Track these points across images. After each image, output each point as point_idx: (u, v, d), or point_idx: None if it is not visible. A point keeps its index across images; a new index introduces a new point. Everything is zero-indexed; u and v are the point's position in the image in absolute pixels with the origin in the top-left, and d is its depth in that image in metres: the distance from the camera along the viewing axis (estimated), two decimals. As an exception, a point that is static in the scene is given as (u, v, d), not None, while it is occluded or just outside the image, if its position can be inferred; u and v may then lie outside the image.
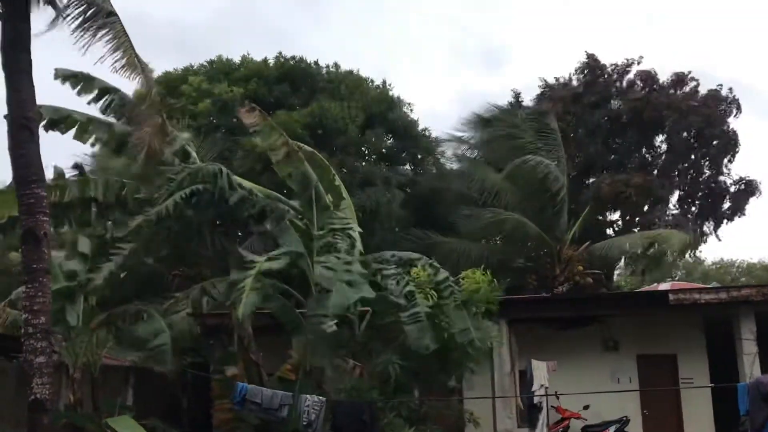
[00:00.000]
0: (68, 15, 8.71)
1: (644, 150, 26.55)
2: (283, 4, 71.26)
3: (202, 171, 10.97)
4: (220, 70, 23.86)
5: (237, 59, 24.51)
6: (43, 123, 10.55)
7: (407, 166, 24.61)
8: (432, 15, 74.30)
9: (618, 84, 26.36)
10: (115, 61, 8.91)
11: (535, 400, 11.68)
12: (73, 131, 11.18)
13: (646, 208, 25.19)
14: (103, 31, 8.77)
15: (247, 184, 11.80)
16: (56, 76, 10.67)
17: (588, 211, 22.04)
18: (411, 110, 25.25)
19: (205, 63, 24.61)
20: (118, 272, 10.14)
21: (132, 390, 12.95)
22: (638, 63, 26.22)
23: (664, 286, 17.12)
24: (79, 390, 10.47)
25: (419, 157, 25.09)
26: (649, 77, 25.91)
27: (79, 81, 10.87)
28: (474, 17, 72.62)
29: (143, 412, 11.55)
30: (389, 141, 23.98)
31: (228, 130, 21.80)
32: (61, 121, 10.88)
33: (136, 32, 9.02)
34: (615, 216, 26.38)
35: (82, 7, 8.70)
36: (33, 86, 8.59)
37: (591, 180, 25.77)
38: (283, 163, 12.22)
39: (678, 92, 25.74)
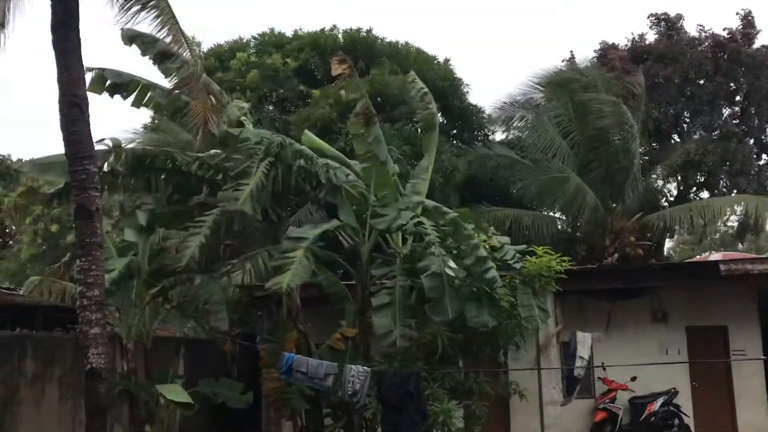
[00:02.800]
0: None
1: (718, 114, 25.53)
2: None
3: (273, 141, 10.90)
4: (270, 43, 23.77)
5: (289, 33, 24.37)
6: (107, 86, 10.66)
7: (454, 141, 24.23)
8: None
9: (693, 45, 25.06)
10: (162, 38, 9.03)
11: (575, 372, 11.62)
12: (132, 97, 11.08)
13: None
14: (149, 10, 8.89)
15: (306, 151, 11.68)
16: (122, 38, 10.51)
17: (648, 179, 21.51)
18: (468, 92, 24.85)
19: (256, 35, 24.46)
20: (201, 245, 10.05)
21: (183, 360, 13.30)
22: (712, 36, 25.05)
23: (715, 257, 16.78)
24: (132, 360, 10.80)
25: (475, 134, 24.57)
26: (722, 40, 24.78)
27: (145, 42, 10.61)
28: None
29: (194, 380, 11.87)
30: (444, 121, 23.59)
31: (279, 101, 21.80)
32: (123, 86, 10.85)
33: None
34: (672, 186, 25.76)
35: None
36: (82, 65, 8.79)
37: (646, 146, 24.94)
38: (357, 122, 11.99)
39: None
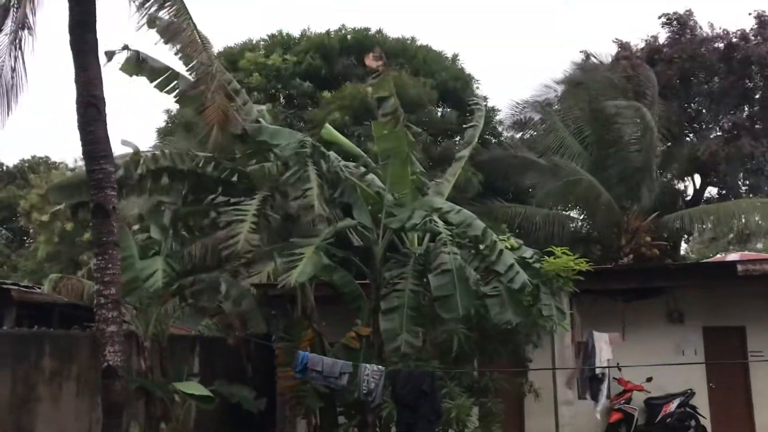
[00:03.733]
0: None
1: (732, 112, 25.27)
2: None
3: (307, 143, 10.89)
4: (279, 44, 23.91)
5: (297, 34, 24.51)
6: (140, 66, 10.61)
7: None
8: None
9: (707, 45, 24.77)
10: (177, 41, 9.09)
11: (597, 371, 11.56)
12: (159, 80, 11.03)
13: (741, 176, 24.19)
14: (165, 10, 8.96)
15: (324, 150, 11.67)
16: (148, 23, 10.14)
17: (663, 179, 21.39)
18: (479, 87, 24.87)
19: (265, 37, 24.71)
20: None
21: (198, 358, 13.37)
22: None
23: (732, 257, 16.64)
24: (149, 358, 10.87)
25: (487, 133, 24.54)
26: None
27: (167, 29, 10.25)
28: None
29: (210, 378, 11.93)
30: (454, 117, 23.63)
31: (286, 100, 21.87)
32: (154, 70, 10.82)
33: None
34: (688, 186, 25.58)
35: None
36: (99, 65, 8.89)
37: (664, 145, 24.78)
38: (382, 121, 11.70)
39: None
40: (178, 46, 9.82)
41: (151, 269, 10.42)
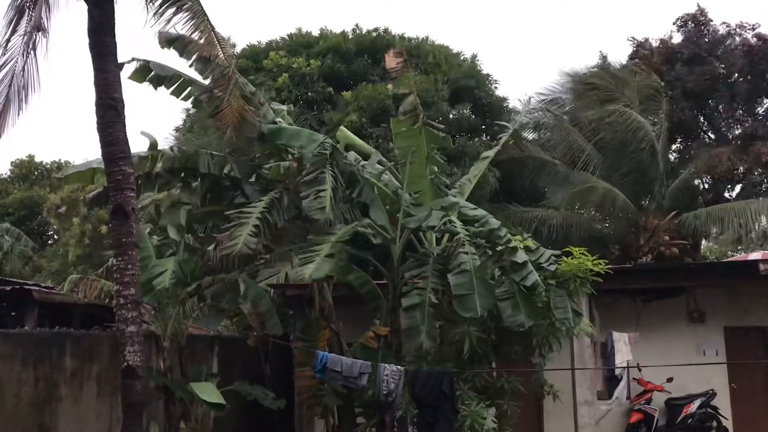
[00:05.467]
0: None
1: (748, 115, 25.01)
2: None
3: (327, 144, 10.94)
4: (299, 43, 24.01)
5: (316, 32, 24.61)
6: (150, 78, 10.81)
7: (485, 137, 24.18)
8: None
9: (725, 44, 24.48)
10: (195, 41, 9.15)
11: (616, 372, 11.47)
12: (173, 88, 11.19)
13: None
14: (183, 13, 9.02)
15: (341, 150, 11.68)
16: (160, 41, 10.64)
17: (683, 178, 21.27)
18: (497, 87, 24.84)
19: (285, 36, 24.81)
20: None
21: (217, 358, 13.44)
22: (752, 28, 24.41)
23: (754, 256, 16.44)
24: (168, 358, 10.95)
25: (501, 133, 24.51)
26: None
27: (183, 44, 10.64)
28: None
29: (228, 379, 11.99)
30: (473, 117, 23.59)
31: (307, 103, 21.99)
32: (166, 78, 10.97)
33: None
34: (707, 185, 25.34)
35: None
36: (118, 68, 8.98)
37: (679, 145, 24.65)
38: (401, 119, 11.86)
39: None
40: (195, 54, 9.94)
41: (161, 269, 10.45)
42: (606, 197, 19.19)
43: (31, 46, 8.76)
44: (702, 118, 25.08)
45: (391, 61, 11.73)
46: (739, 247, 26.65)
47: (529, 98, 18.44)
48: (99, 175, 10.88)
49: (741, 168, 22.76)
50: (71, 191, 23.65)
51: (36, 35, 8.67)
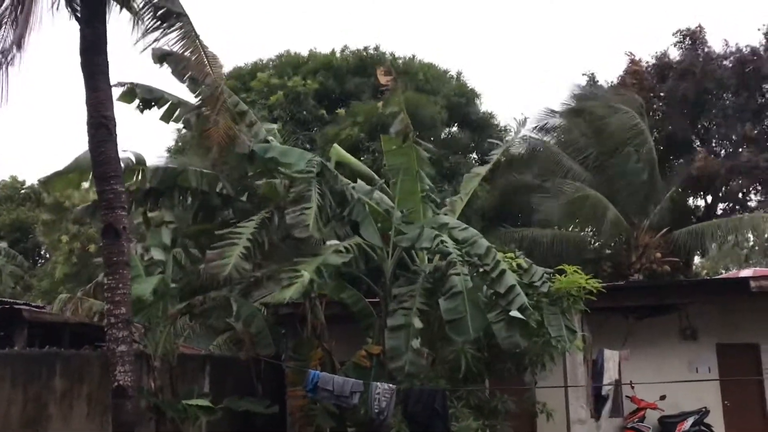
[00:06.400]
0: (142, 17, 9.01)
1: (742, 129, 25.15)
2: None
3: (316, 162, 10.94)
4: (288, 64, 24.18)
5: (305, 53, 24.80)
6: (137, 103, 10.76)
7: (475, 155, 24.29)
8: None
9: (719, 61, 24.69)
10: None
11: (603, 390, 11.46)
12: (162, 111, 11.17)
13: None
14: (174, 32, 9.04)
15: (332, 169, 11.68)
16: (153, 57, 10.44)
17: (673, 194, 21.36)
18: (482, 103, 25.04)
19: (273, 57, 24.99)
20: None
21: (208, 378, 13.35)
22: (744, 49, 24.65)
23: (745, 273, 16.50)
24: (159, 378, 10.87)
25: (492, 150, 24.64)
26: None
27: (175, 60, 10.44)
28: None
29: (220, 398, 11.90)
30: (463, 135, 23.71)
31: (301, 122, 22.08)
32: (154, 101, 10.96)
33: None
34: (700, 201, 25.46)
35: (154, 9, 8.99)
36: (110, 87, 8.97)
37: (674, 162, 24.71)
38: (391, 137, 11.93)
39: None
40: (187, 74, 9.95)
41: (143, 287, 10.37)
42: (597, 209, 19.26)
43: (5, 62, 8.65)
44: (693, 134, 25.24)
45: (381, 78, 11.83)
46: (730, 265, 26.74)
47: (525, 119, 18.56)
48: (86, 174, 10.59)
49: (732, 182, 22.87)
50: (58, 199, 23.53)
51: (13, 51, 8.59)
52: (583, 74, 27.16)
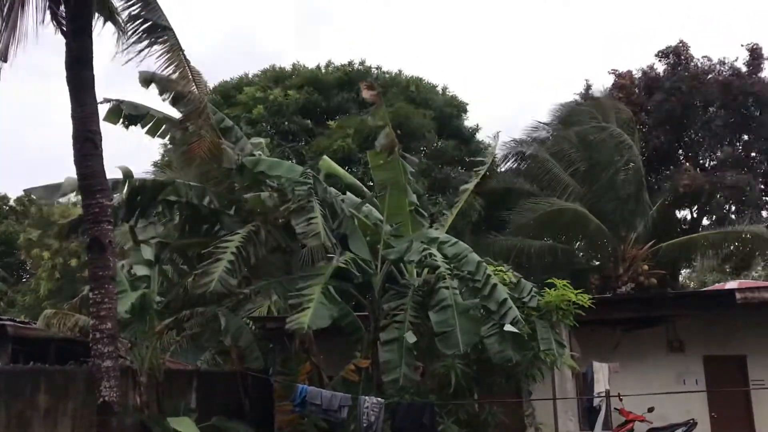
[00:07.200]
0: (127, 31, 9.00)
1: (726, 144, 25.46)
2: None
3: (308, 175, 10.97)
4: (272, 78, 24.29)
5: (288, 67, 24.93)
6: (123, 117, 10.72)
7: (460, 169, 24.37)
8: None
9: (703, 78, 25.00)
10: (170, 75, 9.15)
11: (595, 402, 11.46)
12: (147, 128, 11.17)
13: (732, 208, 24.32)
14: (159, 46, 9.03)
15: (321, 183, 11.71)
16: (140, 80, 10.62)
17: (660, 207, 21.49)
18: (467, 117, 25.22)
19: (258, 72, 25.14)
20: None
21: (195, 393, 13.24)
22: (729, 65, 25.08)
23: (731, 285, 16.59)
24: (145, 393, 10.77)
25: (479, 161, 24.78)
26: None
27: (162, 82, 10.60)
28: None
29: (207, 414, 11.81)
30: (449, 146, 23.80)
31: (286, 133, 22.11)
32: (139, 117, 10.93)
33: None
34: (686, 213, 25.67)
35: (139, 23, 8.99)
36: (96, 101, 8.94)
37: (660, 175, 24.93)
38: (378, 151, 11.92)
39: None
40: (172, 92, 9.97)
41: (124, 303, 10.29)
42: (576, 221, 19.37)
43: None
44: (679, 148, 25.50)
45: (365, 93, 11.90)
46: (716, 277, 26.93)
47: (497, 133, 18.78)
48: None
49: (718, 195, 23.06)
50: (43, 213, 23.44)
51: None
52: (572, 86, 27.54)
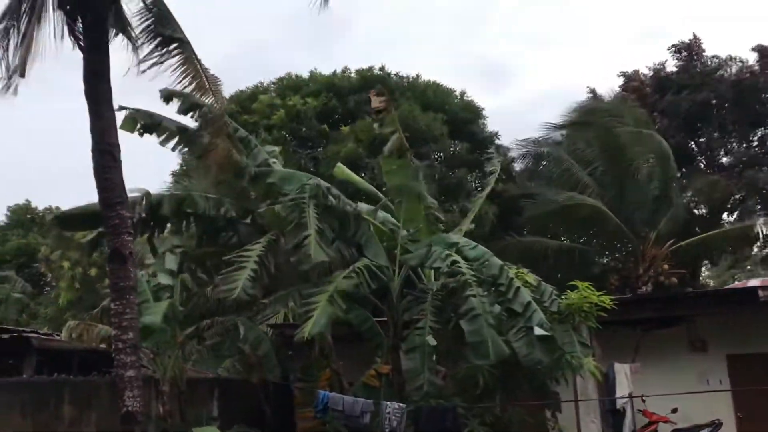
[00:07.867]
0: (142, 44, 9.11)
1: (742, 141, 25.29)
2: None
3: (311, 185, 10.97)
4: (289, 86, 24.39)
5: (305, 75, 25.04)
6: (139, 127, 10.80)
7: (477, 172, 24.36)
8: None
9: (715, 75, 24.88)
10: (185, 87, 9.22)
11: (618, 404, 11.37)
12: (163, 137, 11.21)
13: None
14: (174, 58, 9.11)
15: (335, 190, 11.73)
16: (162, 97, 10.70)
17: (682, 207, 21.32)
18: (484, 123, 25.18)
19: (274, 80, 25.26)
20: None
21: (217, 402, 13.29)
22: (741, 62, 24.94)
23: (753, 282, 16.41)
24: (168, 402, 10.83)
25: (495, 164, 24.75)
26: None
27: (182, 98, 10.72)
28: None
29: (228, 422, 11.85)
30: (468, 150, 23.78)
31: (304, 139, 22.22)
32: (154, 126, 11.00)
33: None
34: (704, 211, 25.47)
35: (153, 36, 9.08)
36: (114, 114, 9.05)
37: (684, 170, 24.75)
38: (389, 157, 11.94)
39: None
40: (192, 105, 10.05)
41: (154, 314, 10.37)
42: (595, 217, 19.23)
43: (7, 90, 8.68)
44: (694, 145, 25.33)
45: (374, 101, 11.94)
46: (736, 275, 26.68)
47: (498, 147, 18.89)
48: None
49: (738, 195, 22.90)
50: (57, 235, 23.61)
51: (15, 78, 8.64)
52: (586, 87, 27.39)
